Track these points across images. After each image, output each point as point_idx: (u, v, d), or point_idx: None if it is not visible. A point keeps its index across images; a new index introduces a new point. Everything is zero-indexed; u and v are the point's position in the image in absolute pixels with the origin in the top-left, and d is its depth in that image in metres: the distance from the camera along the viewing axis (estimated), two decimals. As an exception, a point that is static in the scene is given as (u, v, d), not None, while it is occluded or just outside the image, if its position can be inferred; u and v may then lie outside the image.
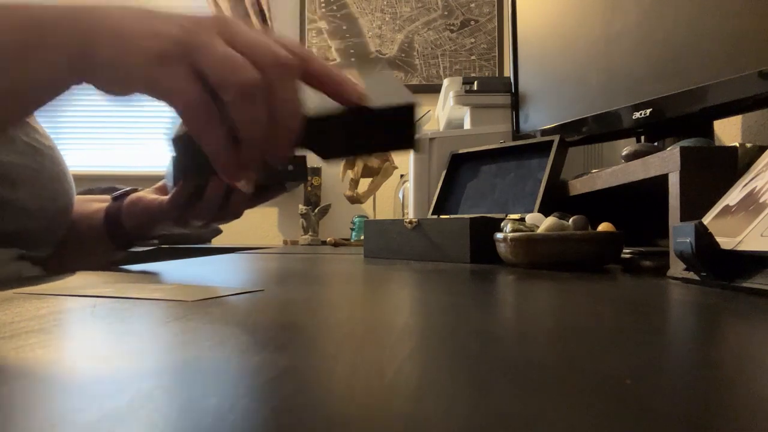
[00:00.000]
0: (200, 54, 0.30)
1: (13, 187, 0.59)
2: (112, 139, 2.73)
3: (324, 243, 2.19)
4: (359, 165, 1.58)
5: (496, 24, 2.64)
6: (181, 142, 0.35)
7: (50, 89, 0.34)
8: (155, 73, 0.30)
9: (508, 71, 1.23)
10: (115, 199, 0.69)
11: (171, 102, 0.31)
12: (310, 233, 2.42)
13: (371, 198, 1.97)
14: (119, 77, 0.31)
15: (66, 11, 0.32)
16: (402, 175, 1.87)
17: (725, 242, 0.42)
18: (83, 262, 0.68)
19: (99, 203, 0.71)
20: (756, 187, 0.46)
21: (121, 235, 0.69)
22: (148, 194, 0.68)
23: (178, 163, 0.36)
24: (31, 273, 0.62)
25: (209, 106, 0.31)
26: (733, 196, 0.48)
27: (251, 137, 0.32)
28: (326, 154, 0.36)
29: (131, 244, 0.71)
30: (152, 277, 0.52)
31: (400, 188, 1.86)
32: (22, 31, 0.32)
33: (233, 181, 0.34)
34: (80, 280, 0.49)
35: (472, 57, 2.64)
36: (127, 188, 0.70)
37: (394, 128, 0.37)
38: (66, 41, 0.32)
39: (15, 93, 0.33)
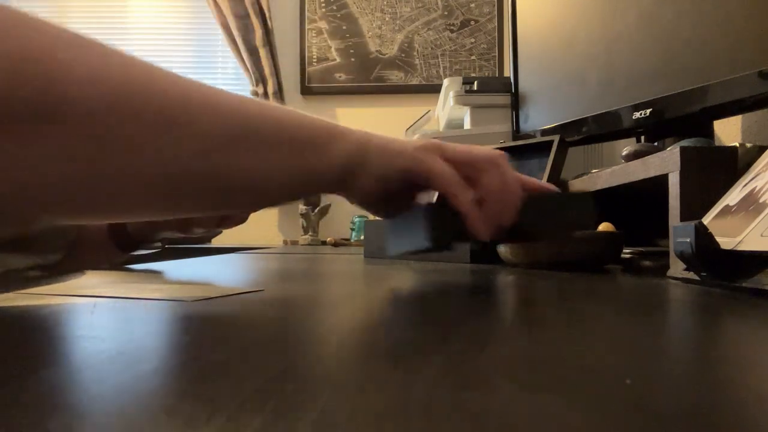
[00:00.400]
0: (445, 148, 0.43)
1: None
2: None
3: (324, 243, 2.20)
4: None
5: (496, 24, 2.64)
6: (434, 212, 0.44)
7: (318, 185, 0.41)
8: (419, 155, 0.42)
9: (508, 71, 1.23)
10: None
11: (431, 174, 0.42)
12: (310, 233, 2.42)
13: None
14: (390, 160, 0.42)
15: (343, 127, 0.42)
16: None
17: (725, 242, 0.42)
18: (89, 265, 0.68)
19: None
20: (756, 187, 0.46)
21: (125, 239, 0.69)
22: None
23: (429, 230, 0.44)
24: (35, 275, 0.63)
25: (458, 177, 0.42)
26: (733, 196, 0.48)
27: (491, 197, 0.43)
28: (528, 237, 0.47)
29: (136, 248, 0.72)
30: (152, 276, 0.52)
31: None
32: (326, 129, 0.40)
33: (479, 236, 0.43)
34: (81, 280, 0.49)
35: (472, 57, 2.64)
36: None
37: (575, 211, 0.49)
38: (351, 141, 0.41)
39: (297, 179, 0.39)
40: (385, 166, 0.42)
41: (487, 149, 0.44)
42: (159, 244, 0.73)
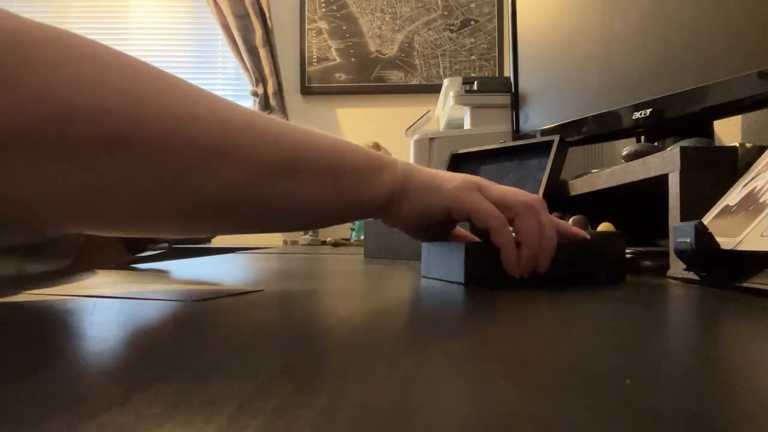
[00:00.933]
0: (484, 187, 0.45)
1: None
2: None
3: (324, 243, 2.19)
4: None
5: (496, 24, 2.64)
6: (472, 249, 0.46)
7: (361, 212, 0.43)
8: (460, 194, 0.44)
9: (508, 71, 1.23)
10: None
11: (472, 211, 0.43)
12: (310, 233, 2.42)
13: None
14: (431, 198, 0.44)
15: (388, 157, 0.44)
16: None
17: (725, 242, 0.42)
18: (96, 265, 0.69)
19: None
20: (756, 187, 0.46)
21: (133, 240, 0.70)
22: None
23: (466, 265, 0.46)
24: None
25: (500, 213, 0.44)
26: (733, 196, 0.48)
27: (528, 241, 0.44)
28: (559, 281, 0.47)
29: (144, 249, 0.72)
30: (153, 276, 0.52)
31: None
32: (372, 160, 0.42)
33: (512, 273, 0.45)
34: (81, 280, 0.49)
35: (472, 57, 2.64)
36: None
37: (606, 253, 0.49)
38: (396, 174, 0.43)
39: (342, 206, 0.41)
40: (426, 201, 0.44)
41: (526, 194, 0.46)
42: (165, 244, 0.74)
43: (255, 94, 2.64)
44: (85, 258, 0.70)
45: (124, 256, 0.72)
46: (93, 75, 0.28)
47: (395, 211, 0.45)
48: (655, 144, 0.82)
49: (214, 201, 0.33)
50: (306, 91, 2.71)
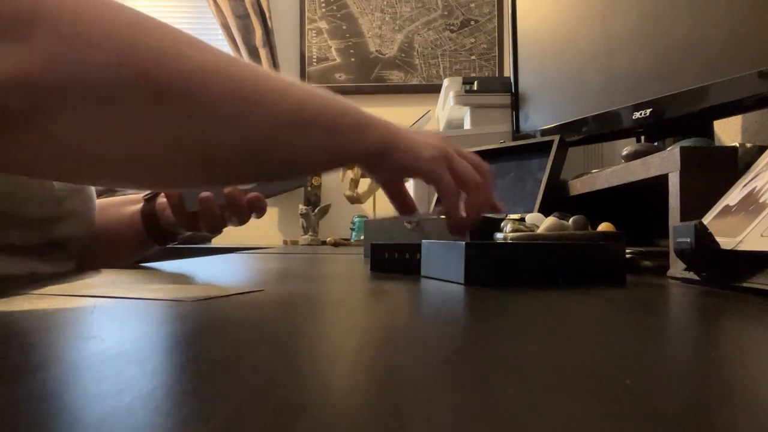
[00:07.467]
0: (451, 162, 0.50)
1: (59, 204, 0.63)
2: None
3: (324, 243, 2.19)
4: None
5: (496, 24, 2.64)
6: (471, 250, 0.48)
7: (350, 163, 0.50)
8: (433, 166, 0.49)
9: (508, 71, 1.23)
10: (147, 200, 0.73)
11: (438, 183, 0.49)
12: (310, 233, 2.42)
13: (371, 198, 1.97)
14: (411, 162, 0.48)
15: (376, 116, 0.47)
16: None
17: (725, 242, 0.42)
18: (102, 265, 0.69)
19: (129, 206, 0.75)
20: (756, 187, 0.46)
21: (158, 234, 0.73)
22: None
23: (465, 266, 0.48)
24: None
25: (456, 191, 0.51)
26: (733, 196, 0.48)
27: (469, 212, 0.53)
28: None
29: (168, 241, 0.75)
30: (152, 276, 0.52)
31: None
32: (360, 117, 0.45)
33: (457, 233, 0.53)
34: (81, 280, 0.49)
35: (472, 57, 2.64)
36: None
37: (605, 257, 0.50)
38: (381, 132, 0.46)
39: (334, 157, 0.45)
40: (405, 165, 0.49)
41: (475, 173, 0.52)
42: (188, 233, 0.76)
43: (255, 94, 2.64)
44: (92, 258, 0.71)
45: (150, 248, 0.74)
46: (134, 33, 0.32)
47: (377, 166, 0.48)
48: (655, 144, 0.82)
49: (244, 148, 0.37)
50: (306, 91, 2.70)
